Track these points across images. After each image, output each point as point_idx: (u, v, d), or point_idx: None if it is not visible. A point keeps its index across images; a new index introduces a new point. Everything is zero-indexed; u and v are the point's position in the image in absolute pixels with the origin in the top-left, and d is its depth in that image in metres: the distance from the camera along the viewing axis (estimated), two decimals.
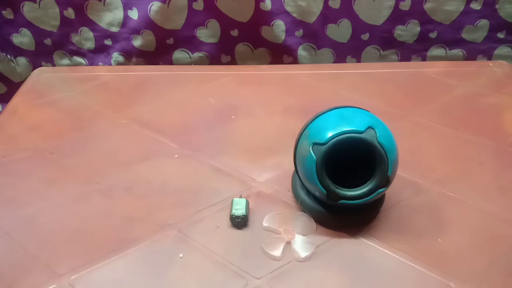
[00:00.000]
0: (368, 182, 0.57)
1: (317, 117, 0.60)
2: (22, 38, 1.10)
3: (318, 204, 0.61)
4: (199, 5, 1.03)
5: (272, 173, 0.71)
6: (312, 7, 1.03)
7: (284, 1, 1.02)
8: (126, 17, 1.05)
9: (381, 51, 1.08)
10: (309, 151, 0.57)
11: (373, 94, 0.89)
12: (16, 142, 0.79)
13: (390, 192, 0.61)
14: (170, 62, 1.10)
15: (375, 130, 0.56)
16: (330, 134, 0.56)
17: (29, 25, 1.07)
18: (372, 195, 0.57)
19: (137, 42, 1.07)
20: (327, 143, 0.56)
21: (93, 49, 1.10)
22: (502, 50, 1.06)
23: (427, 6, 1.02)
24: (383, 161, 0.56)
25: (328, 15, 1.04)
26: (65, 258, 0.58)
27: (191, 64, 1.10)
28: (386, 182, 0.57)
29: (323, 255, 0.58)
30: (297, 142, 0.61)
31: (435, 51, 1.07)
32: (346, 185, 0.57)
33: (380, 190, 0.57)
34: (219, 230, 0.61)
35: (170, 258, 0.58)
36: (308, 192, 0.62)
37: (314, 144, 0.57)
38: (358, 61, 1.09)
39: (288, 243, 0.59)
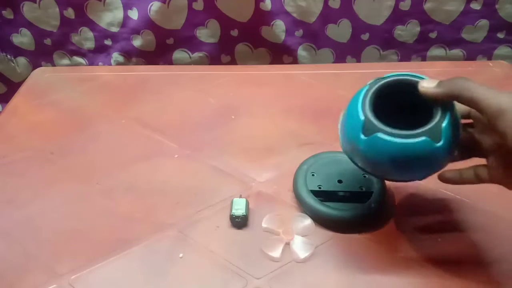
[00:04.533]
0: (418, 128, 0.49)
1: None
2: (22, 38, 1.10)
3: (318, 204, 0.61)
4: (199, 5, 1.03)
5: (272, 173, 0.71)
6: (312, 7, 1.03)
7: (284, 1, 1.02)
8: (126, 17, 1.05)
9: (381, 51, 1.08)
10: (367, 85, 0.53)
11: None
12: (16, 142, 0.79)
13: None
14: (170, 62, 1.10)
15: None
16: (393, 75, 0.52)
17: (29, 25, 1.07)
18: (417, 139, 0.48)
19: (137, 42, 1.07)
20: (388, 78, 0.52)
21: (93, 49, 1.10)
22: (502, 50, 1.06)
23: (427, 6, 1.02)
24: (445, 107, 0.49)
25: (328, 15, 1.04)
26: (65, 258, 0.58)
27: (191, 64, 1.10)
28: (437, 134, 0.48)
29: (322, 255, 0.58)
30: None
31: (435, 51, 1.07)
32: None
33: (427, 139, 0.48)
34: (219, 230, 0.62)
35: (170, 258, 0.58)
36: (309, 192, 0.62)
37: (374, 80, 0.53)
38: (358, 61, 1.09)
39: (287, 244, 0.59)
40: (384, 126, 0.50)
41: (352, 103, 0.53)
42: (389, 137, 0.49)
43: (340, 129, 0.56)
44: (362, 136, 0.51)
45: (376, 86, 0.52)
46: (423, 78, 0.51)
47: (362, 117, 0.51)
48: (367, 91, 0.52)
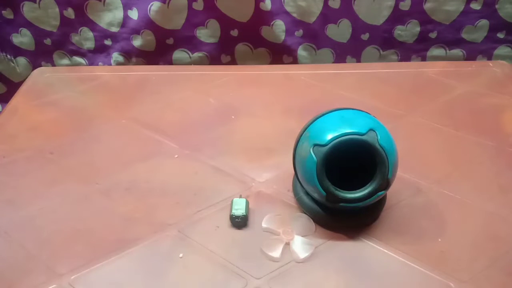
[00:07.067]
0: (368, 184, 0.56)
1: (317, 118, 0.60)
2: (22, 38, 1.10)
3: (318, 205, 0.61)
4: (199, 5, 1.03)
5: (272, 173, 0.71)
6: (312, 7, 1.03)
7: (284, 1, 1.02)
8: (126, 17, 1.05)
9: (381, 51, 1.08)
10: (310, 152, 0.57)
11: (373, 94, 0.89)
12: (16, 142, 0.79)
13: (390, 192, 0.61)
14: (170, 62, 1.10)
15: (376, 133, 0.56)
16: (331, 135, 0.56)
17: (29, 25, 1.07)
18: (372, 197, 0.56)
19: (137, 42, 1.07)
20: (328, 144, 0.56)
21: (93, 49, 1.10)
22: (502, 50, 1.07)
23: (427, 6, 1.02)
24: (384, 163, 0.56)
25: (328, 15, 1.04)
26: (65, 258, 0.58)
27: (191, 64, 1.10)
28: (386, 185, 0.57)
29: (322, 256, 0.58)
30: (297, 143, 0.60)
31: (435, 51, 1.07)
32: (346, 187, 0.57)
33: (380, 193, 0.57)
34: (219, 230, 0.61)
35: (170, 258, 0.58)
36: (308, 193, 0.62)
37: (315, 145, 0.57)
38: (358, 61, 1.09)
39: (287, 244, 0.59)
40: (346, 194, 0.56)
41: (308, 177, 0.58)
42: (352, 204, 0.57)
43: (299, 174, 0.61)
44: (328, 203, 0.58)
45: (323, 156, 0.56)
46: (361, 133, 0.56)
47: (324, 193, 0.57)
48: (317, 165, 0.56)
